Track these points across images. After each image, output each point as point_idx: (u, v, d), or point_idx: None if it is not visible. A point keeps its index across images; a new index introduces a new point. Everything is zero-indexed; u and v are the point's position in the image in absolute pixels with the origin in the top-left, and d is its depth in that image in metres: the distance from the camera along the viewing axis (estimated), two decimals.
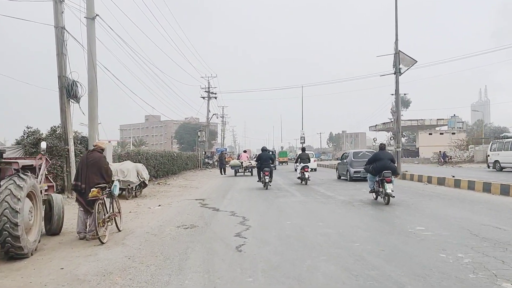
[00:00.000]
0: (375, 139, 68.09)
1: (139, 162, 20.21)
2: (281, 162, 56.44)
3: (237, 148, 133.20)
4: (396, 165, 11.67)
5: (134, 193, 13.81)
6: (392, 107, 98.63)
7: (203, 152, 44.64)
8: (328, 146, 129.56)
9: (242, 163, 26.80)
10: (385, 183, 10.18)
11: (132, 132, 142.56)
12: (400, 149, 18.60)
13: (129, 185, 13.25)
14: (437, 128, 68.88)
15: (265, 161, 15.90)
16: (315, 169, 31.32)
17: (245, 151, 35.11)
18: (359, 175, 17.78)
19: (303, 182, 16.96)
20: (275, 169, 38.80)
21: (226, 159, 50.86)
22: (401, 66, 17.92)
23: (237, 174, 26.64)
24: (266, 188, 15.28)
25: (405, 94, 54.15)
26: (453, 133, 51.81)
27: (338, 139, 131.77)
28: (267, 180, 15.43)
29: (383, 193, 10.31)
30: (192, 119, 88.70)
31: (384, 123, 75.23)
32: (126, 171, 13.29)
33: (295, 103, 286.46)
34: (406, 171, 18.18)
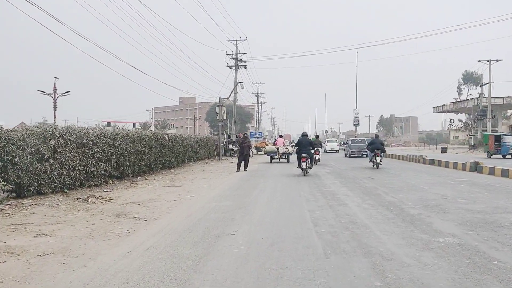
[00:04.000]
0: (452, 121, 55.24)
1: (64, 151, 9.92)
2: None
3: (276, 132, 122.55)
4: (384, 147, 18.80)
5: None
6: (460, 84, 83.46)
7: (226, 136, 34.14)
8: (378, 130, 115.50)
9: (278, 149, 24.55)
10: (376, 156, 17.58)
11: (166, 115, 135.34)
12: None
13: None
14: None
15: (304, 147, 15.17)
16: (338, 151, 44.10)
17: (281, 136, 29.20)
18: (354, 154, 30.06)
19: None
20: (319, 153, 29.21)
21: (256, 146, 40.35)
22: None
23: (273, 161, 24.62)
24: (304, 174, 14.76)
25: (491, 60, 40.31)
26: None
27: (390, 122, 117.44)
28: (304, 166, 14.81)
29: (375, 162, 17.73)
30: (228, 100, 79.21)
31: (455, 102, 61.28)
32: None
33: (343, 81, 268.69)
34: None
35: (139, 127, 66.39)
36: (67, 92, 30.06)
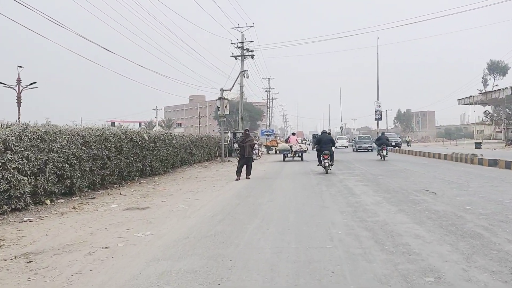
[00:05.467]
0: (487, 113, 50.12)
1: None
2: None
3: (289, 130, 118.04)
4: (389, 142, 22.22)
5: None
6: (485, 74, 77.70)
7: (230, 134, 30.06)
8: (395, 125, 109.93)
9: (291, 147, 23.55)
10: (382, 150, 20.46)
11: (176, 114, 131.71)
12: None
13: None
14: None
15: (325, 144, 14.83)
16: (347, 147, 47.85)
17: (293, 134, 28.40)
18: (361, 149, 34.86)
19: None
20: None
21: (266, 145, 36.16)
22: None
23: (286, 159, 23.51)
24: (327, 172, 14.21)
25: None
26: None
27: (408, 117, 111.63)
28: (327, 164, 14.30)
29: (382, 155, 20.56)
30: (237, 98, 75.33)
31: (483, 92, 56.00)
32: None
33: (357, 76, 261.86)
34: None
35: (144, 127, 62.77)
36: (32, 83, 25.99)
